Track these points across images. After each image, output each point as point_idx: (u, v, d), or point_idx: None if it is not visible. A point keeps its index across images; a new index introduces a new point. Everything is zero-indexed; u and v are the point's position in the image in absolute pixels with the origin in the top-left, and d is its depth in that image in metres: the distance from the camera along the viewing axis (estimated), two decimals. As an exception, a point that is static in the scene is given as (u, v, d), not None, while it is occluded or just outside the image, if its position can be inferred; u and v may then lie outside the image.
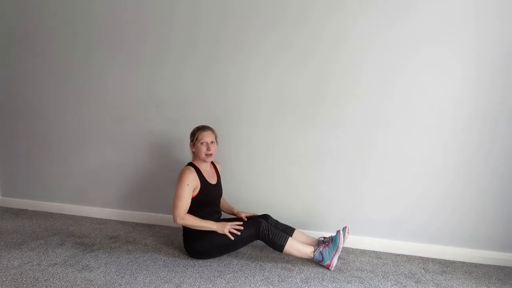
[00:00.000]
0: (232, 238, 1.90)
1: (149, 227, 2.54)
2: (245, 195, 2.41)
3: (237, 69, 2.32)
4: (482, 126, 2.06)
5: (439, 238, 2.19)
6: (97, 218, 2.68)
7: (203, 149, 2.00)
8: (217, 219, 2.09)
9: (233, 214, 2.23)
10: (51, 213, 2.77)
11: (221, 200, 2.26)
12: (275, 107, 2.30)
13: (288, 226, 2.12)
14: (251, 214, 2.18)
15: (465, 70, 2.03)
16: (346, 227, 1.99)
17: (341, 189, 2.28)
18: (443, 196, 2.16)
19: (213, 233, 1.94)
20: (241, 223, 1.97)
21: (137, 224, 2.59)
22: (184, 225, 1.94)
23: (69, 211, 2.76)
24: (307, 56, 2.20)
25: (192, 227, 1.93)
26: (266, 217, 2.12)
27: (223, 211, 2.25)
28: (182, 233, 2.06)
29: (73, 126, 2.66)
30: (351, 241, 2.25)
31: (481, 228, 2.14)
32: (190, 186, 1.93)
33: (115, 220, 2.65)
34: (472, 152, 2.09)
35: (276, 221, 2.14)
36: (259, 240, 1.94)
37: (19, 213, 2.76)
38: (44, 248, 2.10)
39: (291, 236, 2.04)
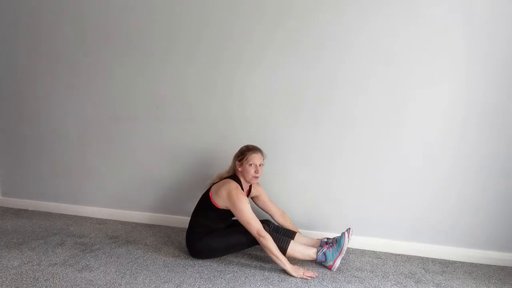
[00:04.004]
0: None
1: (149, 227, 2.54)
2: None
3: (242, 69, 2.31)
4: (482, 126, 2.06)
5: (439, 238, 2.19)
6: (97, 218, 2.68)
7: (251, 171, 1.98)
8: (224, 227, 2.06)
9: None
10: (51, 213, 2.77)
11: (283, 217, 2.20)
12: (276, 108, 2.29)
13: (289, 230, 2.12)
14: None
15: (472, 71, 2.03)
16: (349, 228, 1.99)
17: (342, 189, 2.28)
18: (443, 196, 2.16)
19: (217, 233, 1.96)
20: (316, 274, 1.87)
21: (137, 224, 2.59)
22: (262, 242, 1.83)
23: (69, 211, 2.76)
24: (314, 56, 2.19)
25: (266, 249, 1.84)
26: (266, 222, 2.11)
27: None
28: (186, 231, 2.05)
29: (73, 126, 2.65)
30: (351, 241, 2.24)
31: (481, 228, 2.14)
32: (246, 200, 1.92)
33: (115, 220, 2.64)
34: (472, 152, 2.09)
35: (277, 226, 2.13)
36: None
37: (19, 213, 2.75)
38: (44, 248, 2.10)
39: (292, 239, 2.03)
